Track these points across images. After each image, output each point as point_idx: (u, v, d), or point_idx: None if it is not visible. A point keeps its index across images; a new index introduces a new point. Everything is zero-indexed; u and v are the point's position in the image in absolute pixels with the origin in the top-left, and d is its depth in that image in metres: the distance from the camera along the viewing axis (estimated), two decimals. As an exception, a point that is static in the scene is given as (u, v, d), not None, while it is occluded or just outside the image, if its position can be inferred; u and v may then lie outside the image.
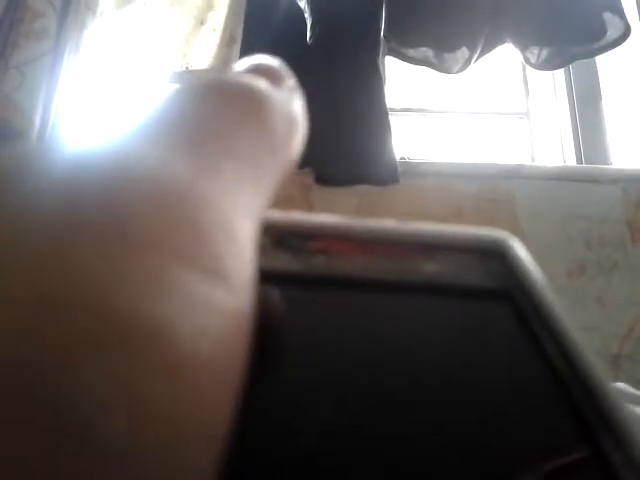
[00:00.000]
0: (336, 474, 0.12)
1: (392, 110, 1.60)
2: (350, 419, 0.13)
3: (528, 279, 0.16)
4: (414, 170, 1.54)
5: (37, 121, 1.29)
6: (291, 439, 0.13)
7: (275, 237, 0.17)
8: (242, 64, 0.16)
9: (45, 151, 0.12)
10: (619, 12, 1.54)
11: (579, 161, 1.73)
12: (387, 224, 0.17)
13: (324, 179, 1.47)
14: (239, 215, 0.11)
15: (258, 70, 0.16)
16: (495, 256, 0.17)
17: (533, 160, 1.84)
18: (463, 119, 1.93)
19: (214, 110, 0.13)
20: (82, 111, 1.49)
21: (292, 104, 0.16)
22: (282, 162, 0.15)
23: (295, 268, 0.16)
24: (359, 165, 1.45)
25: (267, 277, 0.13)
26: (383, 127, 1.47)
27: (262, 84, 0.15)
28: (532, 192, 1.56)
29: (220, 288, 0.10)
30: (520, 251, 0.17)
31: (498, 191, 1.55)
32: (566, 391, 0.13)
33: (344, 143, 1.45)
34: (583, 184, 1.58)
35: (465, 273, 0.16)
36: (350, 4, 1.51)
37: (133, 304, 0.08)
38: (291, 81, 0.17)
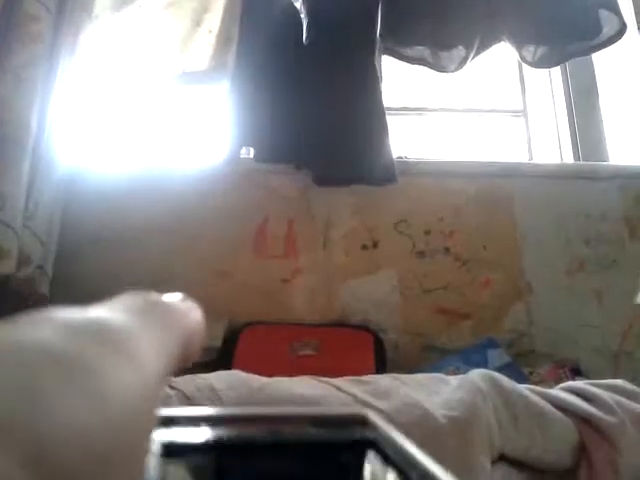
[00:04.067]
0: None
1: (389, 109, 1.60)
2: None
3: (386, 432, 0.22)
4: (412, 169, 1.54)
5: (33, 125, 1.29)
6: None
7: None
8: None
9: None
10: (615, 9, 1.54)
11: (576, 158, 1.73)
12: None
13: (322, 179, 1.47)
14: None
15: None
16: (359, 422, 0.23)
17: (531, 158, 1.84)
18: (460, 118, 1.93)
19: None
20: (78, 115, 1.49)
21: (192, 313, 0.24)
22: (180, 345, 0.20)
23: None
24: (357, 165, 1.45)
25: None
26: (380, 127, 1.47)
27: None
28: (530, 190, 1.56)
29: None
30: (376, 418, 0.23)
31: (496, 189, 1.55)
32: None
33: (342, 143, 1.44)
34: (581, 181, 1.58)
35: (339, 433, 0.22)
36: (346, 4, 1.51)
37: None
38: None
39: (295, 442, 0.22)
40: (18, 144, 1.25)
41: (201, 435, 0.21)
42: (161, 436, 0.20)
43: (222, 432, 0.21)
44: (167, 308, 0.21)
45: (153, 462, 0.19)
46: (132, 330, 0.17)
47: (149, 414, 0.16)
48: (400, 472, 0.20)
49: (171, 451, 0.20)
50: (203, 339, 0.23)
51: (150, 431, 0.16)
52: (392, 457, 0.20)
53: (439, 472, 0.19)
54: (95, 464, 0.13)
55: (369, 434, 0.22)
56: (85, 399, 0.13)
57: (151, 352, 0.17)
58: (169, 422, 0.21)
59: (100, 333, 0.16)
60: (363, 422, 0.23)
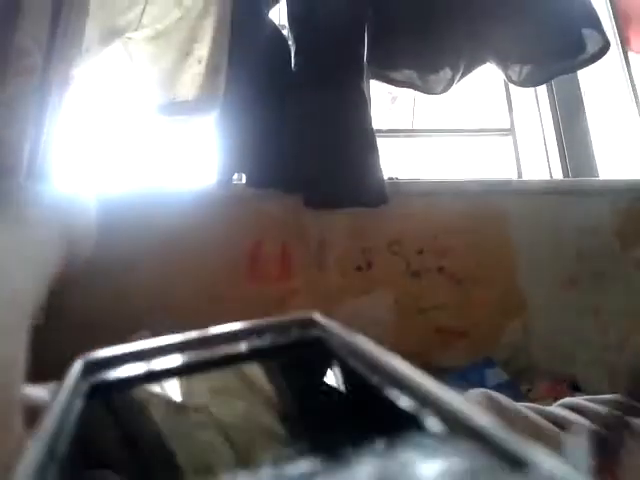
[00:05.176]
0: None
1: (379, 132, 1.61)
2: None
3: (332, 329, 0.22)
4: (403, 190, 1.55)
5: (25, 158, 1.29)
6: None
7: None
8: None
9: None
10: (597, 27, 1.57)
11: (565, 174, 1.74)
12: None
13: (314, 203, 1.48)
14: None
15: None
16: (307, 324, 0.23)
17: (520, 176, 1.86)
18: (449, 138, 1.95)
19: None
20: (70, 144, 1.50)
21: None
22: None
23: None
24: (348, 188, 1.46)
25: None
26: (370, 149, 1.48)
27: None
28: (521, 207, 1.57)
29: None
30: (323, 318, 0.23)
31: (487, 207, 1.56)
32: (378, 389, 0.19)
33: (332, 167, 1.45)
34: (571, 197, 1.59)
35: (291, 336, 0.23)
36: (332, 30, 1.53)
37: None
38: None
39: (234, 356, 0.22)
40: (11, 175, 1.25)
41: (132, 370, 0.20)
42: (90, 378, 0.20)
43: (159, 362, 0.21)
44: (41, 213, 0.20)
45: (78, 404, 0.18)
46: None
47: (21, 345, 0.15)
48: (346, 364, 0.20)
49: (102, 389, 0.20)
50: (92, 233, 0.24)
51: (21, 363, 0.16)
52: (337, 351, 0.21)
53: (384, 358, 0.19)
54: None
55: (314, 333, 0.22)
56: None
57: (21, 276, 0.16)
58: (95, 364, 0.21)
59: None
60: (311, 324, 0.23)
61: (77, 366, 0.20)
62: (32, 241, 0.19)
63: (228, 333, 0.23)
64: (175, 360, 0.21)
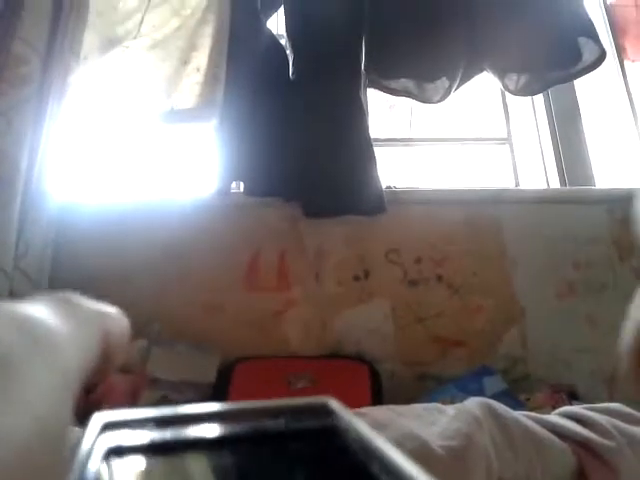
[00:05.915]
0: None
1: (376, 141, 1.62)
2: None
3: (347, 419, 0.22)
4: (401, 199, 1.55)
5: (23, 167, 1.29)
6: None
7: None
8: None
9: None
10: (593, 36, 1.57)
11: (562, 183, 1.75)
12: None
13: (312, 211, 1.48)
14: None
15: None
16: (321, 410, 0.23)
17: (517, 184, 1.86)
18: (446, 147, 1.96)
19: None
20: (68, 153, 1.50)
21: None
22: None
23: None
24: (346, 196, 1.46)
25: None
26: (368, 158, 1.48)
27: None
28: (518, 216, 1.57)
29: None
30: (338, 405, 0.23)
31: (485, 216, 1.56)
32: None
33: (330, 176, 1.46)
34: (568, 206, 1.59)
35: (305, 422, 0.22)
36: (330, 39, 1.54)
37: None
38: None
39: (248, 436, 0.21)
40: (8, 185, 1.25)
41: (146, 436, 0.21)
42: (106, 440, 0.20)
43: (173, 432, 0.21)
44: (87, 308, 0.22)
45: (95, 465, 0.18)
46: (53, 324, 0.17)
47: (67, 405, 0.16)
48: (359, 460, 0.20)
49: (116, 453, 0.20)
50: (125, 345, 0.24)
51: (68, 422, 0.16)
52: (351, 445, 0.20)
53: (400, 460, 0.18)
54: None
55: (329, 422, 0.22)
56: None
57: (70, 347, 0.17)
58: (114, 425, 0.21)
59: (23, 326, 0.16)
60: (325, 410, 0.23)
61: (95, 425, 0.20)
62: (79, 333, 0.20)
63: (245, 410, 0.23)
64: (194, 431, 0.21)
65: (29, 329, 0.16)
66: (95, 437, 0.20)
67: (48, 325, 0.17)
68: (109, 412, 0.21)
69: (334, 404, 0.23)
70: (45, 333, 0.17)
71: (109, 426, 0.21)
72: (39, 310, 0.18)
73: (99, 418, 0.21)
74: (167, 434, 0.21)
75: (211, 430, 0.21)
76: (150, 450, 0.20)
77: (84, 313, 0.21)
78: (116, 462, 0.19)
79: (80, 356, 0.18)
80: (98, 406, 0.26)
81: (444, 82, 1.64)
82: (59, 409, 0.15)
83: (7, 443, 0.14)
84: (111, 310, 0.24)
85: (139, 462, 0.20)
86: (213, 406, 0.23)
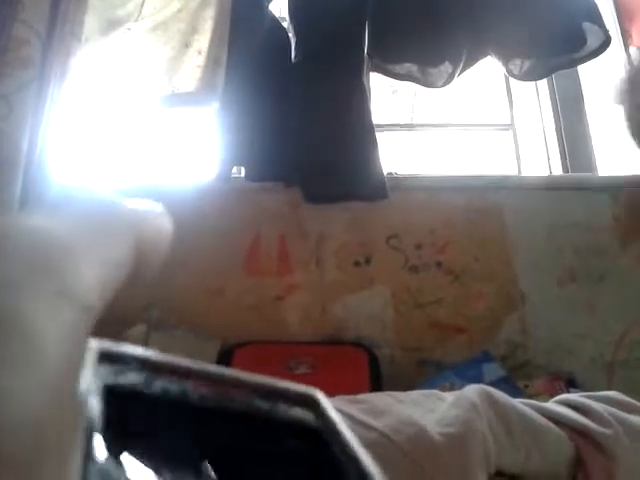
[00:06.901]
0: None
1: (379, 126, 1.61)
2: None
3: (333, 422, 0.21)
4: (402, 184, 1.55)
5: (24, 148, 1.29)
6: None
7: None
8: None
9: None
10: (598, 22, 1.56)
11: (565, 170, 1.74)
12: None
13: (313, 197, 1.48)
14: None
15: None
16: (309, 404, 0.22)
17: (519, 171, 1.86)
18: (449, 133, 1.95)
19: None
20: (69, 136, 1.49)
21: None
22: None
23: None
24: (347, 182, 1.46)
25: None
26: (370, 143, 1.48)
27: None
28: (520, 202, 1.57)
29: None
30: (326, 403, 0.23)
31: (486, 202, 1.56)
32: None
33: (331, 160, 1.45)
34: (570, 192, 1.59)
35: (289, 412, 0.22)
36: (333, 23, 1.52)
37: None
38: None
39: (239, 411, 0.21)
40: (10, 165, 1.25)
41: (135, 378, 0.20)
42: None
43: (162, 382, 0.20)
44: (121, 209, 0.20)
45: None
46: (74, 243, 0.16)
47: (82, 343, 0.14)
48: (339, 468, 0.19)
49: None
50: (164, 249, 0.22)
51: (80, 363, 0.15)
52: (336, 452, 0.20)
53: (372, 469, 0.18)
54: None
55: (316, 422, 0.22)
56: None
57: (90, 270, 0.16)
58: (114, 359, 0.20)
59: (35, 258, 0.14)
60: (313, 404, 0.22)
61: (91, 354, 0.19)
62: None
63: (239, 381, 0.23)
64: (184, 385, 0.21)
65: (39, 258, 0.15)
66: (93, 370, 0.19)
67: (63, 243, 0.16)
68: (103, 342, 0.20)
69: (321, 397, 0.23)
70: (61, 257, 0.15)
71: (104, 357, 0.20)
72: (57, 227, 0.16)
73: (95, 347, 0.20)
74: (158, 384, 0.20)
75: (201, 396, 0.21)
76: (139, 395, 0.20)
77: (116, 215, 0.19)
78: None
79: (102, 275, 0.17)
80: None
81: (448, 67, 1.63)
82: (71, 350, 0.14)
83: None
84: (148, 207, 0.22)
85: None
86: (209, 367, 0.22)
